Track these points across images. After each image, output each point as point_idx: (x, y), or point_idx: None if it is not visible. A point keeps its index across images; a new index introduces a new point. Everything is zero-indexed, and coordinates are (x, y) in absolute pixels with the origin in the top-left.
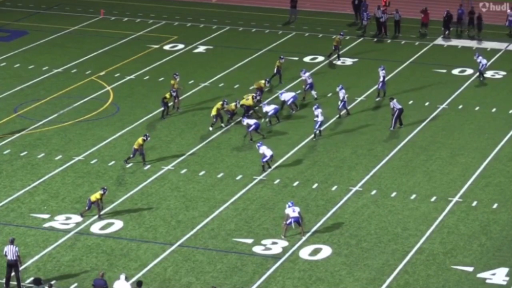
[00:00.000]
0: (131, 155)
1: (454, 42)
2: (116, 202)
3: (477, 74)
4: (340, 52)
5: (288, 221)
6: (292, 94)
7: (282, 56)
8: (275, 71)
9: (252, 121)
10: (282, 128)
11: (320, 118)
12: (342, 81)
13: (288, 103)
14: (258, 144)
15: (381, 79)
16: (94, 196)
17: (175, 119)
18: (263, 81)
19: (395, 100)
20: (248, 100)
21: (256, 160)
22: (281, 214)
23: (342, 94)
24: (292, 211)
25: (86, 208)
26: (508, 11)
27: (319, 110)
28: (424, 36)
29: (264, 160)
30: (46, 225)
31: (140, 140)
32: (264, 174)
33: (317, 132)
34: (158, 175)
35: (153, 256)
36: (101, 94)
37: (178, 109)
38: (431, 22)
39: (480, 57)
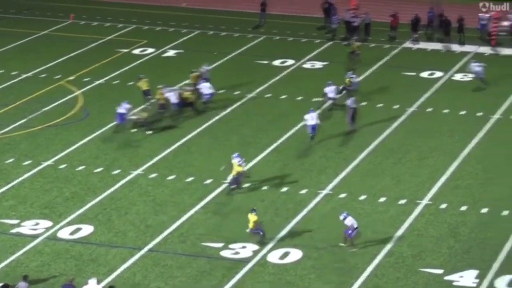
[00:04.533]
0: (235, 185)
1: (423, 45)
2: (85, 207)
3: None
4: (310, 56)
5: (349, 232)
6: (211, 91)
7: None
8: None
9: (174, 99)
10: (251, 132)
11: (309, 122)
12: (311, 84)
13: (204, 99)
14: (235, 155)
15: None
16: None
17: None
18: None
19: (351, 99)
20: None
21: (225, 164)
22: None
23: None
24: (354, 221)
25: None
26: (480, 14)
27: (310, 115)
28: (393, 39)
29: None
30: (14, 230)
31: (238, 168)
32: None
33: (312, 135)
34: (127, 179)
35: (122, 261)
36: (70, 98)
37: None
38: (400, 25)
39: (475, 65)
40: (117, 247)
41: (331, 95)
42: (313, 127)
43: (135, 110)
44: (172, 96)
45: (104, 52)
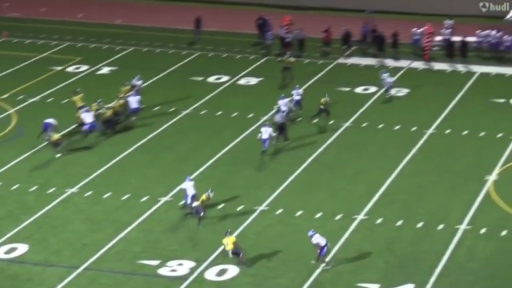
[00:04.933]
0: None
1: (357, 60)
2: (20, 226)
3: (384, 90)
4: (245, 72)
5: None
6: (137, 106)
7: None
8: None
9: (89, 118)
10: (187, 149)
11: (263, 136)
12: (247, 100)
13: (129, 112)
14: (188, 178)
15: (297, 97)
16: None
17: (78, 141)
18: (127, 87)
19: (280, 114)
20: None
21: (161, 181)
22: (188, 235)
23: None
24: (321, 239)
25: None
26: (413, 29)
27: (264, 128)
28: (327, 54)
29: (189, 200)
30: None
31: (204, 197)
32: (171, 194)
33: (265, 149)
34: (62, 198)
35: (58, 280)
36: (4, 117)
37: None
38: (334, 41)
39: (384, 75)
40: (53, 266)
41: (284, 108)
42: (265, 141)
43: (54, 135)
44: (87, 117)
45: (38, 69)
